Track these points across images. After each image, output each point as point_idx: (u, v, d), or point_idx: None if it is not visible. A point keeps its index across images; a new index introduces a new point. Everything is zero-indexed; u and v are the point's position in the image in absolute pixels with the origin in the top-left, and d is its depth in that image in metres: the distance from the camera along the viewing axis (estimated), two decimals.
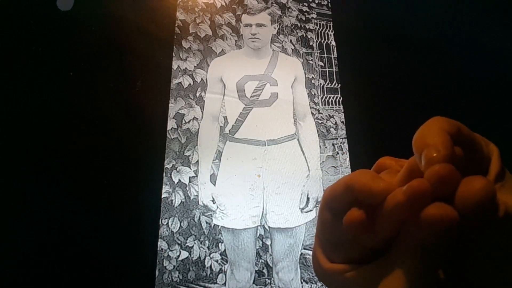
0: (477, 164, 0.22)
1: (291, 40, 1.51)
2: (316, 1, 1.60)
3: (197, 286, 1.12)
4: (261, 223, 1.23)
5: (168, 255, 1.14)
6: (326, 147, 1.38)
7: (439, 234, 0.19)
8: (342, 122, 1.43)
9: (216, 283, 1.14)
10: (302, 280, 1.19)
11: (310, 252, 1.22)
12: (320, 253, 0.27)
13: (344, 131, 1.42)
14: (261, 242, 1.21)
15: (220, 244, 1.19)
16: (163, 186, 1.20)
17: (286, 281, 1.18)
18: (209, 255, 1.16)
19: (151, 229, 1.14)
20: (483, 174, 0.22)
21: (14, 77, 1.22)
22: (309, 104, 1.42)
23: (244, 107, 1.35)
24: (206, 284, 1.13)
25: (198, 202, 1.21)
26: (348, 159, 1.39)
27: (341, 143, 1.41)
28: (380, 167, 0.26)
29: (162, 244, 1.14)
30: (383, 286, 0.21)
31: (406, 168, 0.22)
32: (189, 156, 1.26)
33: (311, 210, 1.27)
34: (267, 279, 1.18)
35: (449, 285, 0.21)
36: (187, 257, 1.15)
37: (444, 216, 0.18)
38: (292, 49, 1.50)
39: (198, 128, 1.30)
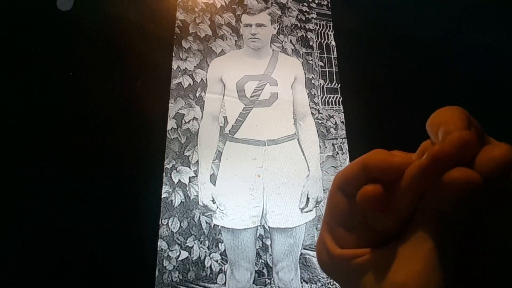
0: None
1: (291, 40, 1.51)
2: (316, 1, 1.60)
3: (197, 286, 1.12)
4: (261, 223, 1.23)
5: (168, 255, 1.14)
6: (326, 147, 1.38)
7: (462, 198, 0.18)
8: (342, 122, 1.43)
9: (216, 283, 1.14)
10: (302, 280, 1.19)
11: (310, 252, 1.22)
12: (329, 239, 0.26)
13: (344, 131, 1.42)
14: (261, 242, 1.21)
15: (220, 244, 1.19)
16: (163, 186, 1.20)
17: (286, 281, 1.18)
18: (209, 255, 1.16)
19: (151, 229, 1.14)
20: None
21: (14, 77, 1.22)
22: (309, 104, 1.42)
23: (244, 107, 1.35)
24: (206, 284, 1.13)
25: (198, 202, 1.21)
26: (348, 159, 1.39)
27: (341, 143, 1.41)
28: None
29: (162, 244, 1.14)
30: (400, 266, 0.20)
31: (421, 149, 0.21)
32: (189, 156, 1.26)
33: (311, 210, 1.27)
34: (267, 279, 1.18)
35: (469, 260, 0.20)
36: (187, 257, 1.15)
37: (468, 179, 0.18)
38: (292, 49, 1.50)
39: (198, 128, 1.30)
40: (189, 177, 1.23)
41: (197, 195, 1.22)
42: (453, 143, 0.18)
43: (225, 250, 1.18)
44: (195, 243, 1.16)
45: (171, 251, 1.14)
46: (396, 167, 0.21)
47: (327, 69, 1.51)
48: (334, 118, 1.43)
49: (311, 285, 1.19)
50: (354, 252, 0.24)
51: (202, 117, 1.32)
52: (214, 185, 1.24)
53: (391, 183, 0.21)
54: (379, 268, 0.22)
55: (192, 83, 1.35)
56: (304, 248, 1.23)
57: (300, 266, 1.21)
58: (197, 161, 1.26)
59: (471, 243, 0.20)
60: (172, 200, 1.20)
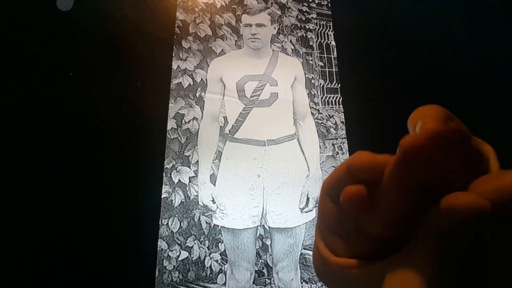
0: (476, 164, 0.22)
1: (291, 40, 1.51)
2: (316, 1, 1.60)
3: (197, 286, 1.12)
4: (261, 223, 1.23)
5: (168, 255, 1.14)
6: (326, 147, 1.38)
7: (469, 224, 0.18)
8: (342, 122, 1.43)
9: (216, 283, 1.14)
10: (302, 280, 1.19)
11: (310, 252, 1.22)
12: (323, 247, 0.25)
13: (344, 131, 1.42)
14: (261, 242, 1.21)
15: (220, 244, 1.19)
16: (163, 186, 1.20)
17: (286, 281, 1.18)
18: (209, 255, 1.16)
19: (151, 229, 1.14)
20: (484, 173, 0.22)
21: (14, 77, 1.22)
22: (309, 104, 1.42)
23: (244, 107, 1.35)
24: (206, 284, 1.13)
25: (198, 202, 1.21)
26: None
27: (341, 143, 1.41)
28: None
29: (162, 244, 1.14)
30: (400, 284, 0.20)
31: None
32: (189, 156, 1.26)
33: (311, 210, 1.27)
34: (267, 279, 1.18)
35: (472, 278, 0.19)
36: (187, 257, 1.15)
37: (476, 204, 0.17)
38: (292, 49, 1.50)
39: (198, 128, 1.30)
40: (189, 177, 1.23)
41: (197, 195, 1.22)
42: (425, 134, 0.18)
43: (225, 250, 1.18)
44: (195, 243, 1.17)
45: (171, 251, 1.14)
46: (379, 166, 0.21)
47: (327, 69, 1.51)
48: (334, 118, 1.43)
49: (311, 285, 1.19)
50: (350, 262, 0.23)
51: (202, 117, 1.32)
52: (214, 185, 1.24)
53: (377, 184, 0.21)
54: (375, 282, 0.21)
55: (192, 83, 1.35)
56: (304, 248, 1.23)
57: (300, 266, 1.21)
58: (197, 161, 1.26)
59: (474, 261, 0.20)
60: (172, 200, 1.20)
